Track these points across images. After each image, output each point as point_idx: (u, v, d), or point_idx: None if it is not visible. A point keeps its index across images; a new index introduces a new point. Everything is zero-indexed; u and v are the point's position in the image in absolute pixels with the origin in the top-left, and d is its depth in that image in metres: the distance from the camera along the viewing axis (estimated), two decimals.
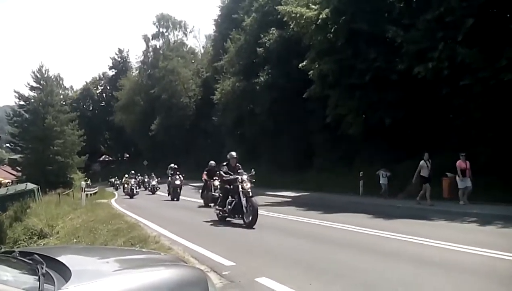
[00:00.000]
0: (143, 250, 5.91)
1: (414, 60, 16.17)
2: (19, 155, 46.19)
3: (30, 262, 2.46)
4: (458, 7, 14.95)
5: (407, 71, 16.48)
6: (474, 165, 14.97)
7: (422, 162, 15.39)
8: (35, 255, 2.51)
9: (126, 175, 29.16)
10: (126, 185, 30.09)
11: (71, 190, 32.49)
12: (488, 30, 14.73)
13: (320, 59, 20.35)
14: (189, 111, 52.17)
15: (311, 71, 20.91)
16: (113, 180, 48.25)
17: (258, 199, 19.27)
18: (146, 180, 34.46)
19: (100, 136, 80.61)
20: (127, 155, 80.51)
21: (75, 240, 9.02)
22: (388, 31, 17.08)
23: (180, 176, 23.35)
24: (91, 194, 30.33)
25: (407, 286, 5.47)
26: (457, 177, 14.95)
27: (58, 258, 2.62)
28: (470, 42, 14.78)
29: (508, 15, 14.88)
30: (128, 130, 64.55)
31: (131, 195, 27.59)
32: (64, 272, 2.36)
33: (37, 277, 2.20)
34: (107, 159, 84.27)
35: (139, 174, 37.65)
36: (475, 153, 15.49)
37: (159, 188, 29.48)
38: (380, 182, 18.41)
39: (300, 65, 21.58)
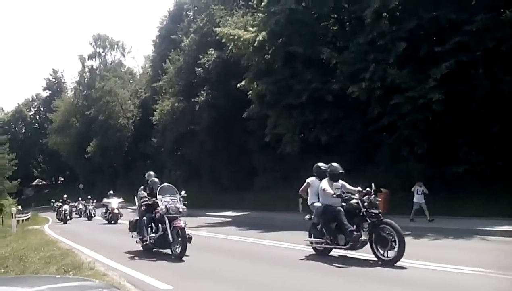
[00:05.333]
0: (76, 277, 5.71)
1: (348, 80, 16.78)
2: None
3: None
4: (388, 31, 15.78)
5: (341, 91, 17.07)
6: (407, 181, 15.51)
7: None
8: None
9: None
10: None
11: (1, 216, 30.73)
12: (417, 53, 15.60)
13: (258, 79, 20.66)
14: (127, 133, 51.08)
15: (250, 91, 21.19)
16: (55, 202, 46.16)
17: (199, 220, 19.32)
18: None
19: (33, 160, 77.17)
20: (62, 179, 77.40)
21: (2, 270, 8.52)
22: (322, 53, 17.66)
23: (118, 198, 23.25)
24: (23, 220, 28.81)
25: None
26: None
27: None
28: (401, 63, 15.58)
29: (435, 38, 15.79)
30: (63, 153, 62.14)
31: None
32: None
33: None
34: (40, 183, 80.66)
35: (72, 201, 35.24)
36: (407, 169, 16.14)
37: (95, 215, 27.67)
38: (414, 200, 14.29)
39: (238, 85, 21.80)
